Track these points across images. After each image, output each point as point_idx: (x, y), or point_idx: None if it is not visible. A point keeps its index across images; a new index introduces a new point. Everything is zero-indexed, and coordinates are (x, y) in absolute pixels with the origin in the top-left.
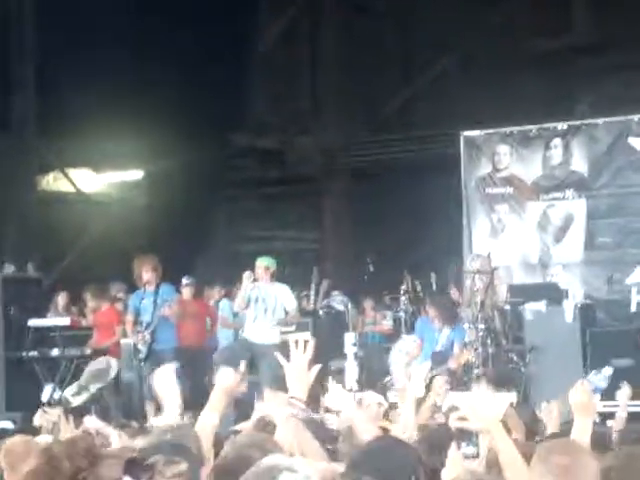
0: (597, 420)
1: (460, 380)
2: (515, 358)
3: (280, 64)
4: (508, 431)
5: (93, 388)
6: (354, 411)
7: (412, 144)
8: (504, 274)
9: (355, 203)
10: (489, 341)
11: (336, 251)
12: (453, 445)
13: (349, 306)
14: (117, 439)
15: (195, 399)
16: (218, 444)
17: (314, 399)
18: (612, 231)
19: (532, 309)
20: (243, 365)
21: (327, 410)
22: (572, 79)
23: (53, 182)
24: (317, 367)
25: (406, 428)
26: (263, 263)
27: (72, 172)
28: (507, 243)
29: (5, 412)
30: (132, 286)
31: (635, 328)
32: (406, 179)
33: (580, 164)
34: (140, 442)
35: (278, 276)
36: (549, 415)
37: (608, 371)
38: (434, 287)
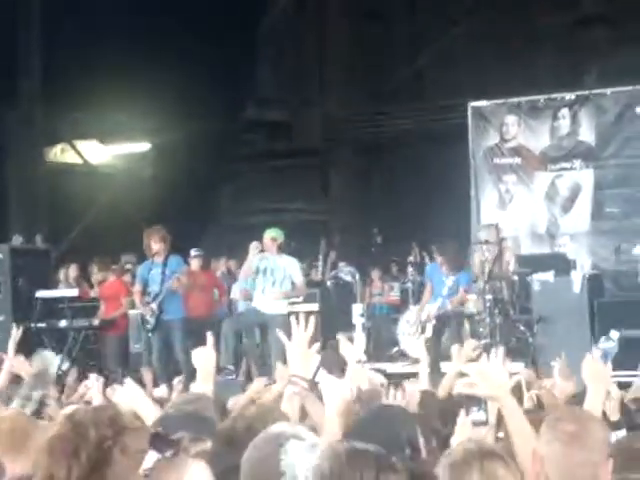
0: (616, 392)
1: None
2: (522, 328)
3: (287, 37)
4: (519, 400)
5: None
6: (359, 376)
7: (420, 115)
8: (512, 244)
9: (362, 175)
10: (497, 311)
11: (343, 223)
12: (462, 412)
13: (357, 277)
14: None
15: None
16: (222, 412)
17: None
18: (619, 201)
19: (540, 279)
20: (210, 338)
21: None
22: (580, 50)
23: (61, 154)
24: (317, 345)
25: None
26: (270, 234)
27: (79, 144)
28: (515, 214)
29: None
30: (142, 257)
31: None
32: (414, 150)
33: (588, 134)
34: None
35: (285, 248)
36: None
37: (615, 334)
38: None
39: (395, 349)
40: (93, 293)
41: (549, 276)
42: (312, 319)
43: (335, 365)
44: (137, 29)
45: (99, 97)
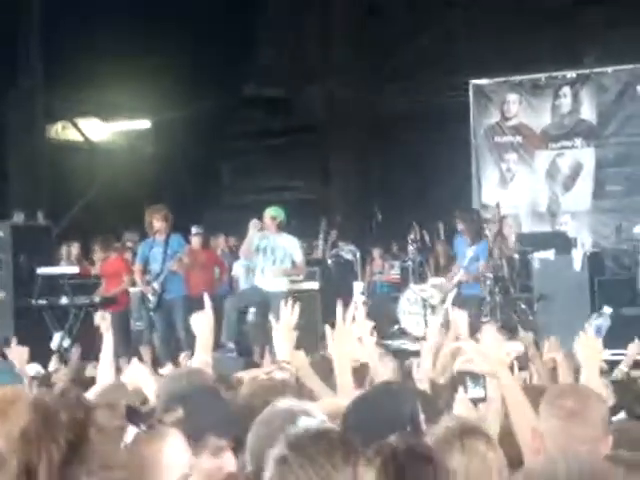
0: (605, 367)
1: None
2: (523, 306)
3: (287, 13)
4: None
5: None
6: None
7: (420, 94)
8: (513, 223)
9: (363, 153)
10: (497, 290)
11: (344, 201)
12: (460, 389)
13: (357, 255)
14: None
15: None
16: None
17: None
18: (620, 179)
19: (541, 258)
20: (208, 303)
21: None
22: (581, 30)
23: (61, 131)
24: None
25: (423, 377)
26: (270, 213)
27: (80, 121)
28: (516, 192)
29: None
30: (144, 235)
31: None
32: (415, 128)
33: (589, 113)
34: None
35: (286, 226)
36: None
37: (608, 310)
38: (442, 237)
39: (396, 327)
40: (94, 270)
41: (550, 254)
42: (297, 305)
43: (327, 371)
44: (137, 8)
45: (100, 75)
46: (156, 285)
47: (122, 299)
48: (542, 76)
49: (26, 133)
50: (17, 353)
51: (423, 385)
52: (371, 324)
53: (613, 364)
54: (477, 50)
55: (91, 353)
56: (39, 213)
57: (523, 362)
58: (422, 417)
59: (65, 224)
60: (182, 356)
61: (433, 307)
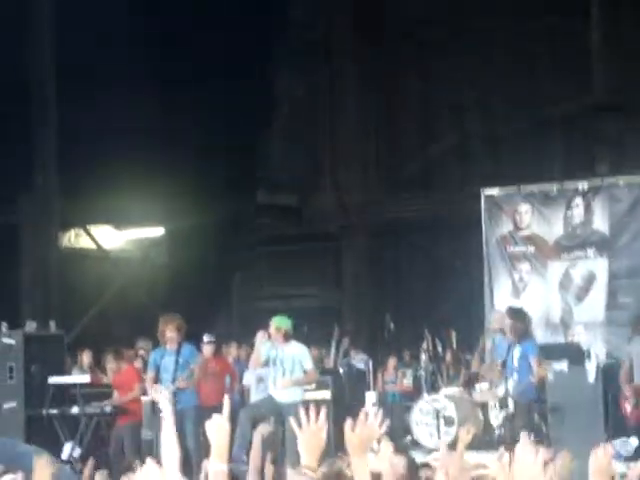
0: None
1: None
2: (537, 418)
3: (299, 122)
4: None
5: None
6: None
7: (432, 202)
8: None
9: (375, 261)
10: (489, 395)
11: (356, 309)
12: None
13: (370, 364)
14: None
15: None
16: None
17: None
18: (634, 291)
19: (554, 369)
20: (227, 409)
21: None
22: (592, 139)
23: (75, 239)
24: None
25: None
26: (274, 324)
27: (93, 229)
28: (529, 302)
29: None
30: (156, 343)
31: None
32: (426, 237)
33: (601, 223)
34: None
35: (297, 334)
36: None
37: (635, 441)
38: (454, 345)
39: (408, 438)
40: (105, 379)
41: (563, 366)
42: (323, 410)
43: None
44: (153, 117)
45: (114, 183)
46: (168, 395)
47: (134, 409)
48: (554, 186)
49: (39, 241)
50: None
51: None
52: (381, 432)
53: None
54: (489, 159)
55: (102, 463)
56: (51, 322)
57: None
58: None
59: (77, 333)
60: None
61: (446, 418)
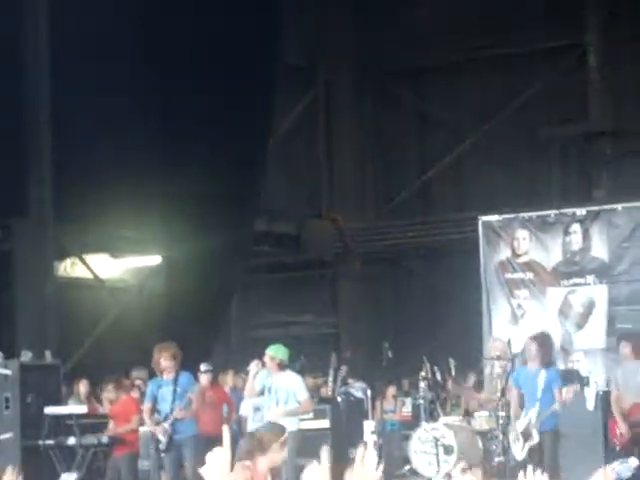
0: None
1: None
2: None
3: (296, 149)
4: None
5: None
6: None
7: (429, 229)
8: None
9: (372, 287)
10: (510, 428)
11: (354, 336)
12: None
13: (368, 393)
14: None
15: None
16: None
17: None
18: (633, 318)
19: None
20: (227, 437)
21: None
22: (589, 165)
23: (70, 268)
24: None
25: None
26: (270, 353)
27: (89, 258)
28: (528, 329)
29: None
30: (152, 372)
31: None
32: (424, 264)
33: (600, 250)
34: None
35: (294, 362)
36: None
37: (634, 462)
38: (453, 373)
39: (407, 467)
40: (102, 409)
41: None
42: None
43: None
44: (151, 142)
45: (110, 211)
46: (167, 425)
47: (131, 439)
48: (551, 213)
49: (34, 269)
50: None
51: None
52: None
53: None
54: (486, 185)
55: None
56: (47, 352)
57: None
58: None
59: (73, 363)
60: None
61: (445, 447)
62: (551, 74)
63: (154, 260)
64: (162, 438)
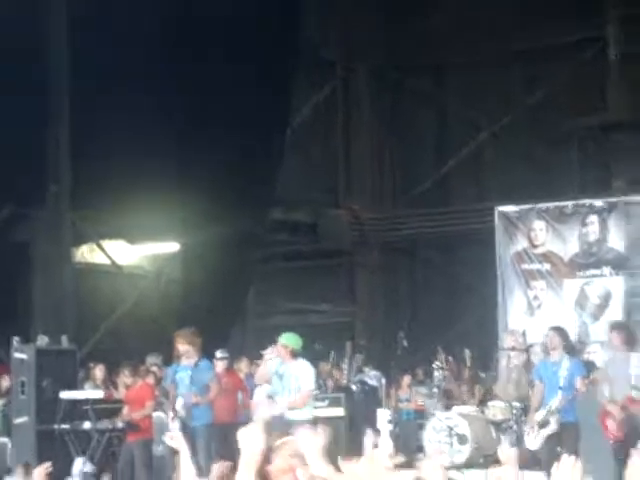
0: None
1: None
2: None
3: (314, 138)
4: None
5: None
6: None
7: (447, 219)
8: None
9: (388, 277)
10: (524, 419)
11: (369, 325)
12: None
13: (382, 382)
14: None
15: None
16: None
17: None
18: None
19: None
20: (261, 421)
21: None
22: (608, 156)
23: (88, 254)
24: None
25: None
26: (282, 341)
27: (107, 244)
28: (544, 320)
29: None
30: (167, 358)
31: None
32: (440, 254)
33: (617, 241)
34: None
35: (310, 351)
36: None
37: None
38: (468, 364)
39: (421, 455)
40: (117, 395)
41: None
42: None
43: None
44: (168, 132)
45: (127, 198)
46: (182, 412)
47: (145, 425)
48: (569, 203)
49: (52, 255)
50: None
51: None
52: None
53: None
54: (503, 176)
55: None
56: (63, 337)
57: None
58: None
59: (89, 348)
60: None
61: (459, 436)
62: (570, 67)
63: (171, 247)
64: (177, 423)
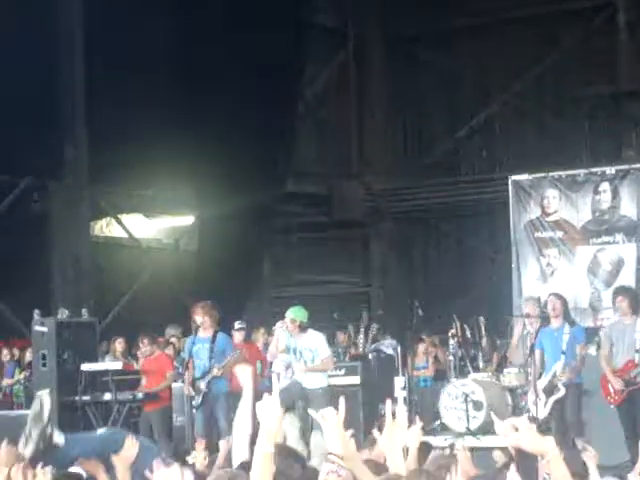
0: None
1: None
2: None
3: (327, 110)
4: None
5: (34, 434)
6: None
7: (460, 188)
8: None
9: (403, 247)
10: (528, 390)
11: (384, 295)
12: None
13: (398, 350)
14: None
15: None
16: None
17: None
18: None
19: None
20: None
21: None
22: (618, 125)
23: (106, 228)
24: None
25: None
26: (290, 315)
27: (124, 218)
28: (557, 287)
29: None
30: (186, 330)
31: None
32: (453, 223)
33: (629, 208)
34: None
35: (327, 320)
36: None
37: None
38: (483, 331)
39: (437, 422)
40: (137, 366)
41: (592, 350)
42: (342, 402)
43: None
44: (184, 106)
45: (143, 171)
46: (202, 385)
47: (164, 396)
48: (581, 172)
49: (70, 229)
50: None
51: None
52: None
53: None
54: (516, 145)
55: None
56: (84, 310)
57: None
58: None
59: (109, 320)
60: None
61: (474, 402)
62: (581, 34)
63: (187, 220)
64: (197, 396)
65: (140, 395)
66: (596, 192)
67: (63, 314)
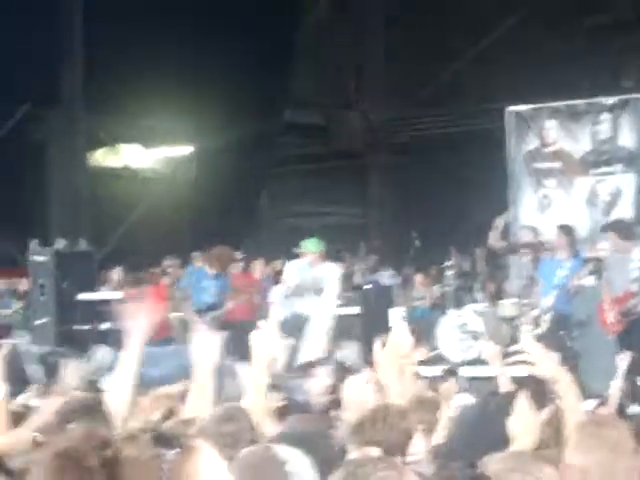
0: None
1: None
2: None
3: (325, 40)
4: None
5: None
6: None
7: (458, 119)
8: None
9: (400, 178)
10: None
11: (382, 226)
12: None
13: (396, 281)
14: None
15: None
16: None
17: None
18: None
19: (579, 283)
20: (275, 323)
21: None
22: (618, 55)
23: (103, 158)
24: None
25: None
26: (311, 249)
27: (122, 148)
28: (555, 218)
29: None
30: (184, 261)
31: None
32: (452, 154)
33: (628, 139)
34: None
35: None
36: None
37: None
38: (480, 261)
39: (434, 353)
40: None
41: (589, 280)
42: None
43: None
44: (183, 40)
45: (141, 101)
46: (208, 319)
47: (164, 325)
48: (581, 102)
49: (68, 160)
50: None
51: None
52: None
53: None
54: (514, 75)
55: None
56: (81, 240)
57: None
58: None
59: (107, 250)
60: None
61: (472, 332)
62: None
63: (185, 150)
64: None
65: None
66: (595, 122)
67: (61, 244)
